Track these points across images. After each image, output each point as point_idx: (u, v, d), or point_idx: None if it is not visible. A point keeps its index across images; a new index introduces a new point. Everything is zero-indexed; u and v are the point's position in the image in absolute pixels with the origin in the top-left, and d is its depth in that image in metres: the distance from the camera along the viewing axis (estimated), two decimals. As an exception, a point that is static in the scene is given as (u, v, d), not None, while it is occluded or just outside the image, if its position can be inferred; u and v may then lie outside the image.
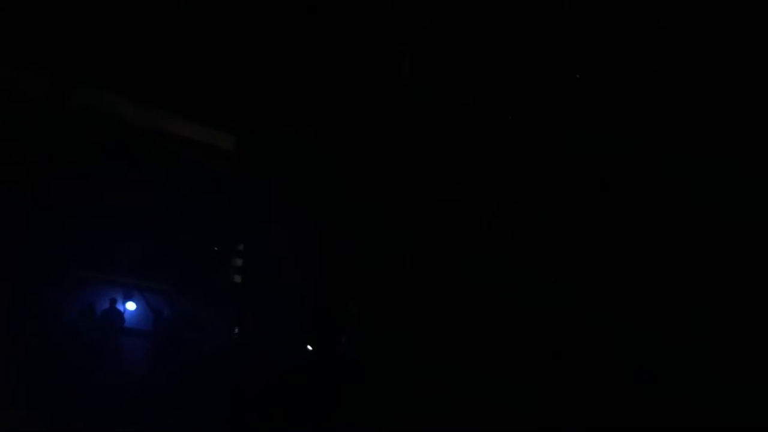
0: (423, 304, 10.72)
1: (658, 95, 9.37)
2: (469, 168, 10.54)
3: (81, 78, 11.03)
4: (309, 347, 12.24)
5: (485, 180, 10.41)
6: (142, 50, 11.01)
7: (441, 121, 10.78)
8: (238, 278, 14.10)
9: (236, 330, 13.45)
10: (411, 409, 9.34)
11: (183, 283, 13.85)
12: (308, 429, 9.60)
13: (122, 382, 11.31)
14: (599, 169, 9.65)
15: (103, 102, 11.33)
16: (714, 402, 7.72)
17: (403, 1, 10.82)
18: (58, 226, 11.72)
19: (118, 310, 13.26)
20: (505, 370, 9.09)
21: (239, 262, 14.18)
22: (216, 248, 14.15)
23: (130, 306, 13.82)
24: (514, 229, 10.11)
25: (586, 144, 9.69)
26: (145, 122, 11.78)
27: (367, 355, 10.85)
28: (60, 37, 10.51)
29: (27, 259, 11.19)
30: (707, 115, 9.02)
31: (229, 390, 10.80)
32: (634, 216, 9.21)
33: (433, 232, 10.74)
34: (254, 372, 11.15)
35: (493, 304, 9.77)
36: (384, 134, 11.03)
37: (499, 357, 9.25)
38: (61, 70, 10.78)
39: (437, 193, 10.69)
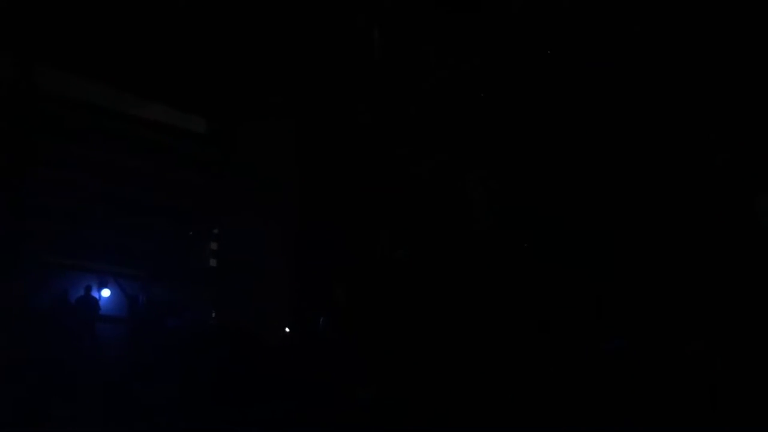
0: (401, 282, 10.80)
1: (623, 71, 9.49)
2: (444, 143, 10.59)
3: (49, 61, 10.84)
4: (287, 329, 12.28)
5: (459, 154, 10.46)
6: (111, 33, 10.86)
7: (413, 99, 10.80)
8: (213, 262, 14.09)
9: (213, 314, 13.44)
10: (391, 384, 9.42)
11: (158, 268, 13.78)
12: (290, 405, 9.65)
13: (101, 369, 11.23)
14: (571, 143, 9.76)
15: (72, 85, 11.16)
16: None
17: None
18: (29, 212, 11.56)
19: (94, 297, 13.15)
20: (482, 341, 9.21)
21: (215, 245, 14.17)
22: (191, 233, 14.10)
23: (105, 293, 13.73)
24: (489, 201, 10.21)
25: (559, 119, 9.79)
26: (118, 106, 11.64)
27: (347, 333, 10.90)
28: (26, 19, 10.31)
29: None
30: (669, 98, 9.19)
31: (207, 372, 10.81)
32: (608, 184, 9.34)
33: (409, 209, 10.80)
34: (233, 354, 11.18)
35: (471, 278, 9.87)
36: (357, 113, 11.03)
37: (477, 329, 9.37)
38: (28, 52, 10.59)
39: (412, 171, 10.73)
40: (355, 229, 11.36)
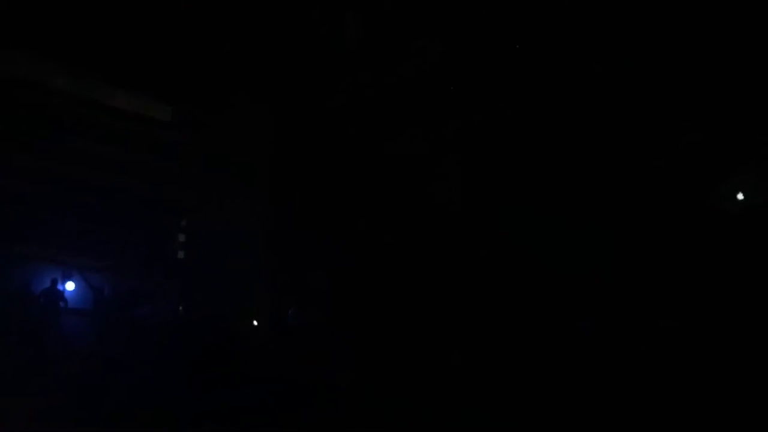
0: (373, 270, 10.79)
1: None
2: (420, 128, 10.59)
3: (13, 46, 10.57)
4: (254, 322, 12.20)
5: (430, 139, 10.48)
6: (78, 20, 10.65)
7: (389, 83, 10.76)
8: (181, 254, 13.90)
9: (181, 307, 13.27)
10: (367, 370, 9.41)
11: (124, 260, 13.56)
12: (262, 392, 9.59)
13: (68, 363, 11.02)
14: (543, 130, 9.85)
15: (36, 71, 10.91)
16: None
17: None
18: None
19: (59, 290, 12.90)
20: (453, 324, 9.25)
21: (182, 237, 13.98)
22: (159, 224, 13.88)
23: (70, 286, 13.48)
24: (461, 187, 10.24)
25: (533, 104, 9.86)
26: (83, 92, 11.40)
27: (320, 321, 10.86)
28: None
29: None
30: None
31: (174, 364, 10.68)
32: (581, 170, 9.44)
33: (384, 194, 10.78)
34: (201, 343, 11.06)
35: (443, 262, 9.90)
36: (328, 100, 10.95)
37: (449, 312, 9.40)
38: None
39: (387, 156, 10.70)
40: (331, 217, 11.31)
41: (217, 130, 12.23)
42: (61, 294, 12.90)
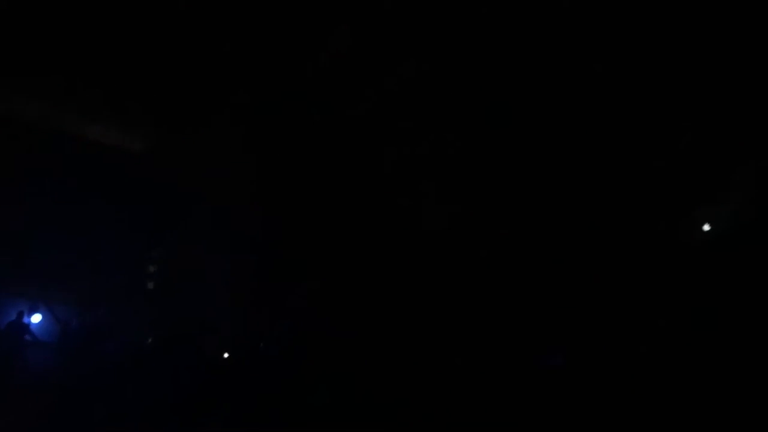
0: (355, 288, 10.79)
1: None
2: (403, 142, 10.67)
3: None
4: (225, 354, 12.08)
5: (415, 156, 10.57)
6: (50, 50, 10.65)
7: (373, 97, 10.81)
8: (151, 284, 13.75)
9: (149, 339, 13.08)
10: (345, 386, 9.35)
11: (93, 292, 13.35)
12: (236, 416, 9.47)
13: (32, 395, 10.77)
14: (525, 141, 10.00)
15: (10, 104, 10.87)
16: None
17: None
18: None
19: (25, 323, 12.65)
20: (438, 343, 9.27)
21: (152, 268, 13.84)
22: (127, 255, 13.74)
23: (36, 318, 13.22)
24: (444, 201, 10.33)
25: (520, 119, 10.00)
26: (51, 123, 11.36)
27: (299, 342, 10.79)
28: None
29: None
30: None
31: (143, 393, 10.52)
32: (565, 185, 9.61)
33: (367, 209, 10.82)
34: (170, 378, 10.91)
35: (426, 275, 9.95)
36: (306, 114, 10.96)
37: (432, 330, 9.42)
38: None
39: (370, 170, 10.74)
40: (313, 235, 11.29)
41: (191, 160, 12.25)
42: (27, 327, 12.65)
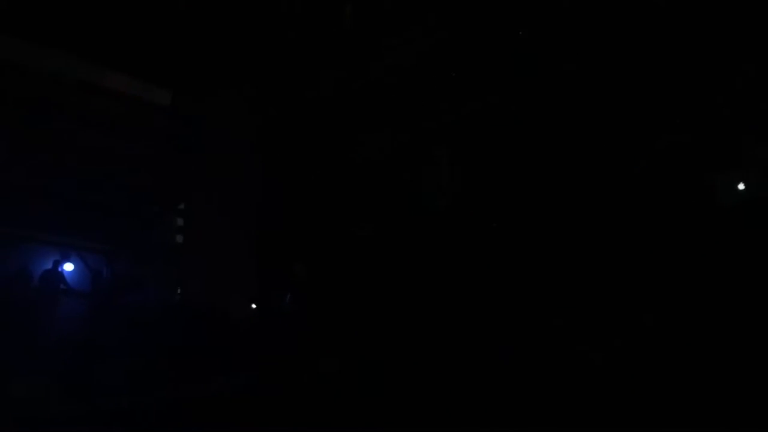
0: (365, 259, 10.79)
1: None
2: (406, 120, 10.52)
3: (4, 27, 10.45)
4: (252, 305, 12.21)
5: (419, 134, 10.42)
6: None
7: (376, 74, 10.67)
8: (179, 238, 13.91)
9: (178, 290, 13.31)
10: (354, 356, 9.45)
11: (122, 243, 13.60)
12: (253, 378, 9.65)
13: (61, 345, 11.09)
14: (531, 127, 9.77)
15: (29, 54, 10.81)
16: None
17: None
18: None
19: (61, 272, 12.97)
20: (441, 318, 9.25)
21: (180, 221, 13.98)
22: (156, 207, 13.89)
23: (68, 267, 13.54)
24: (450, 179, 10.20)
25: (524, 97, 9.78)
26: (80, 76, 11.31)
27: (311, 307, 10.89)
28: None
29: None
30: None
31: (171, 348, 10.73)
32: (570, 167, 9.39)
33: (372, 186, 10.75)
34: (196, 328, 11.10)
35: (431, 255, 9.89)
36: (320, 88, 10.88)
37: (436, 306, 9.40)
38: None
39: (373, 148, 10.65)
40: (320, 206, 11.29)
41: (214, 115, 12.16)
42: (62, 275, 12.98)
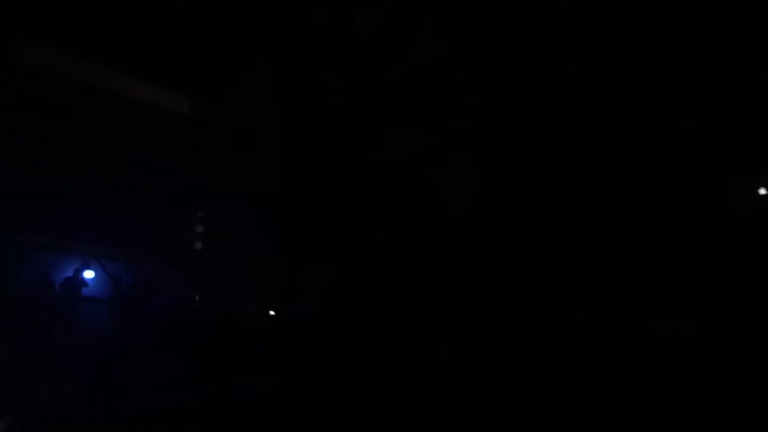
0: (382, 264, 10.80)
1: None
2: (423, 123, 10.53)
3: (29, 36, 10.67)
4: (271, 312, 12.24)
5: (438, 136, 10.42)
6: (92, 8, 10.71)
7: (392, 80, 10.70)
8: (199, 245, 14.01)
9: (197, 297, 13.39)
10: (375, 358, 9.44)
11: (142, 250, 13.68)
12: (273, 383, 9.66)
13: (83, 349, 11.19)
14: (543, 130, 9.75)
15: (52, 61, 11.02)
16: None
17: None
18: (8, 192, 11.48)
19: (82, 279, 13.11)
20: (457, 322, 9.23)
21: (200, 228, 14.08)
22: (176, 214, 13.99)
23: (89, 274, 13.66)
24: (463, 184, 10.19)
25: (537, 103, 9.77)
26: (100, 83, 11.50)
27: (330, 312, 10.90)
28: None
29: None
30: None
31: (191, 353, 10.79)
32: (582, 168, 9.35)
33: (387, 191, 10.76)
34: (216, 333, 11.16)
35: (445, 258, 9.87)
36: (338, 89, 10.93)
37: (455, 308, 9.38)
38: (6, 26, 10.42)
39: (389, 153, 10.68)
40: (338, 212, 11.32)
41: (232, 121, 12.28)
42: (84, 282, 13.11)
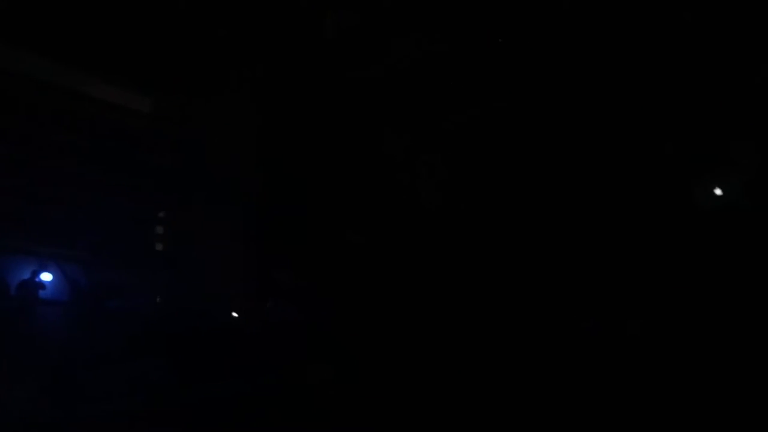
0: (353, 265, 10.81)
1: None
2: (397, 126, 10.59)
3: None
4: (234, 314, 12.15)
5: (413, 136, 10.49)
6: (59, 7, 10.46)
7: (369, 76, 10.72)
8: (159, 246, 13.80)
9: (158, 298, 13.19)
10: (345, 363, 9.44)
11: (101, 251, 13.41)
12: (238, 386, 9.58)
13: (40, 353, 10.92)
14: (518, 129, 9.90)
15: (9, 58, 10.72)
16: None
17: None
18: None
19: (39, 282, 12.78)
20: (436, 323, 9.29)
21: (160, 229, 13.87)
22: (136, 215, 13.75)
23: (46, 277, 13.32)
24: (437, 184, 10.28)
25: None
26: (60, 82, 11.22)
27: (299, 315, 10.87)
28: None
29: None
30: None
31: (152, 357, 10.63)
32: (561, 168, 9.51)
33: (363, 192, 10.79)
34: (179, 338, 11.02)
35: (421, 258, 9.94)
36: (311, 91, 10.90)
37: (429, 309, 9.44)
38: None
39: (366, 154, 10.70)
40: (311, 213, 11.29)
41: (200, 120, 12.14)
42: (41, 284, 12.78)
